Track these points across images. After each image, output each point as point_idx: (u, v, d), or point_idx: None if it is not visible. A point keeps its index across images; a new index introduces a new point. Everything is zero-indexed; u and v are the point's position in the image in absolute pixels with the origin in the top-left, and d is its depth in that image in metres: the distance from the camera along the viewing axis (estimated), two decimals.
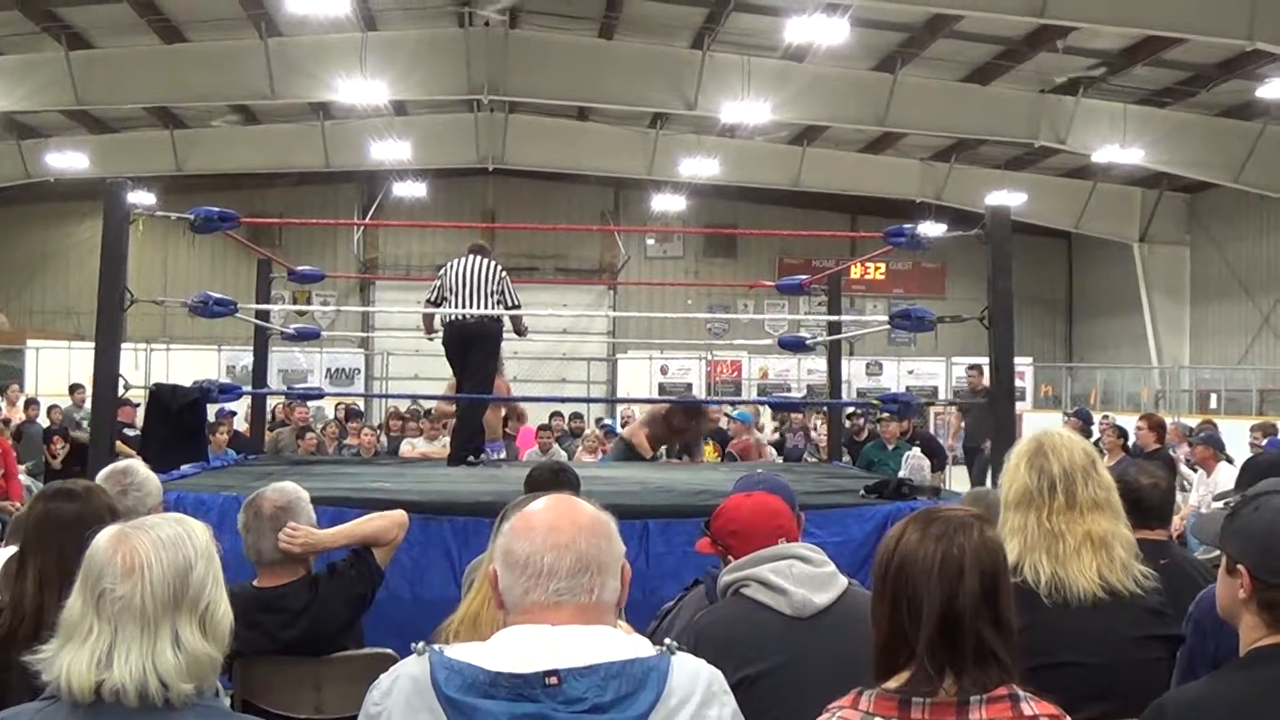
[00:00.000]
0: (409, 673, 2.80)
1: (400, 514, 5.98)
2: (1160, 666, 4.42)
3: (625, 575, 3.01)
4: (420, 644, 2.84)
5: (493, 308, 11.39)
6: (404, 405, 21.92)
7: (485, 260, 11.54)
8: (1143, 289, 35.93)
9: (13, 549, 5.54)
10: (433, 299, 11.72)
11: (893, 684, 2.92)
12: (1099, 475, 4.61)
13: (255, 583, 5.37)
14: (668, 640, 2.91)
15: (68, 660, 2.78)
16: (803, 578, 4.19)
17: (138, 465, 5.97)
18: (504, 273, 11.61)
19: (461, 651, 2.81)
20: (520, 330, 12.15)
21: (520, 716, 2.67)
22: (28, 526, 4.41)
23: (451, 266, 11.62)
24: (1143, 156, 29.24)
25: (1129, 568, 4.45)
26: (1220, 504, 12.86)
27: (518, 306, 11.74)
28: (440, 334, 11.70)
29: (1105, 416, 16.99)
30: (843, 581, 4.24)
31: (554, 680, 2.70)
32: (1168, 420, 18.00)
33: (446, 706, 2.70)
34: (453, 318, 11.42)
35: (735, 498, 4.67)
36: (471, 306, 11.24)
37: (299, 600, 5.37)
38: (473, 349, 11.42)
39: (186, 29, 26.90)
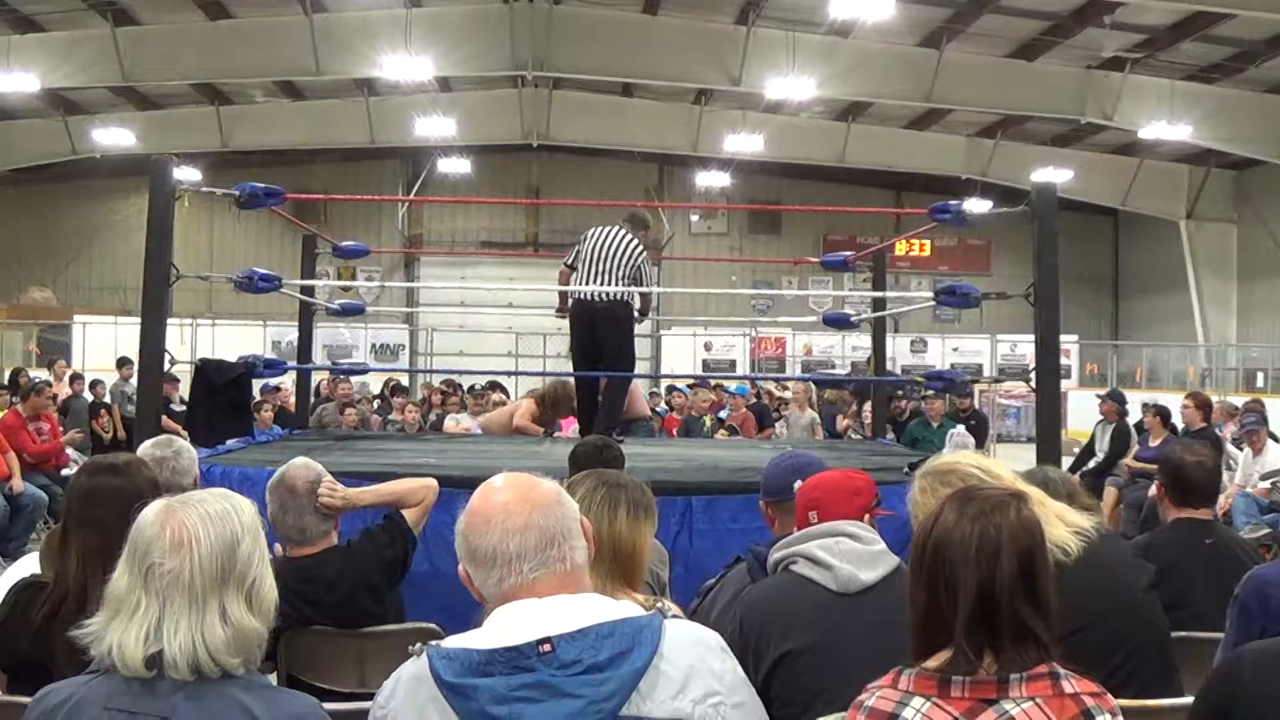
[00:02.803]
0: (410, 673, 2.85)
1: (431, 479, 6.08)
2: (1159, 617, 4.58)
3: (587, 530, 3.06)
4: (417, 645, 2.88)
5: (622, 286, 11.02)
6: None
7: (627, 235, 11.16)
8: (1189, 267, 35.71)
9: None
10: (568, 262, 11.44)
11: (932, 663, 2.92)
12: (984, 462, 4.67)
13: (286, 555, 5.42)
14: (661, 603, 2.94)
15: (117, 634, 2.81)
16: (850, 554, 4.20)
17: (174, 439, 6.02)
18: (643, 253, 11.22)
19: (456, 640, 2.86)
20: (644, 311, 11.84)
21: (520, 687, 2.70)
22: (70, 501, 4.44)
23: (592, 234, 11.24)
24: (1190, 133, 29.02)
25: (1073, 512, 4.56)
26: (1267, 483, 12.77)
27: (648, 293, 11.55)
28: (567, 313, 11.41)
29: (1145, 404, 16.90)
30: (892, 560, 4.24)
31: (547, 647, 2.74)
32: (1214, 399, 17.90)
33: (447, 692, 2.73)
34: (580, 294, 11.23)
35: (825, 473, 4.73)
36: (599, 283, 11.06)
37: (333, 567, 5.43)
38: (600, 332, 11.21)
39: (232, 5, 27.02)
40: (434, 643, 2.86)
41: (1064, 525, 4.42)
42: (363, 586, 5.43)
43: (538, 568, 2.88)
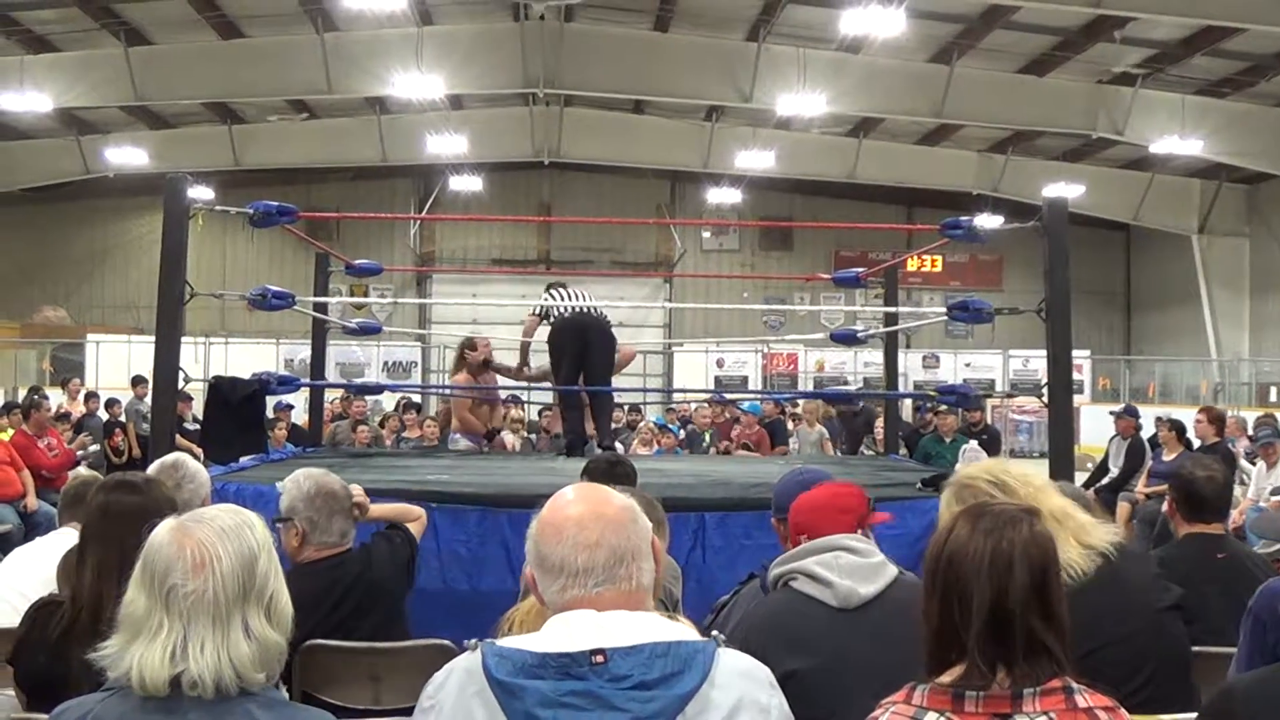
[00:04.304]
0: (462, 665, 2.85)
1: (421, 511, 6.53)
2: (1181, 637, 4.53)
3: (657, 549, 3.05)
4: (473, 640, 2.88)
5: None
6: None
7: None
8: (1201, 281, 35.66)
9: (67, 530, 5.68)
10: (537, 312, 11.83)
11: (946, 678, 2.93)
12: (1016, 470, 4.68)
13: (303, 560, 5.53)
14: (715, 631, 2.94)
15: (138, 655, 2.80)
16: (849, 568, 4.20)
17: (187, 458, 6.09)
18: None
19: (512, 640, 2.86)
20: None
21: (568, 693, 2.71)
22: (88, 518, 4.46)
23: (564, 290, 11.83)
24: (1201, 147, 29.00)
25: (1099, 527, 4.50)
26: (1278, 497, 12.67)
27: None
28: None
29: (1158, 418, 16.88)
30: (891, 571, 4.23)
31: (600, 658, 2.74)
32: (1227, 413, 17.87)
33: (496, 689, 2.74)
34: (577, 308, 11.48)
35: (812, 490, 4.70)
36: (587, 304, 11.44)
37: (355, 564, 5.60)
38: (591, 339, 11.43)
39: (243, 24, 27.10)
40: (490, 639, 2.87)
41: (1077, 546, 4.40)
42: (383, 585, 5.62)
43: (603, 583, 2.88)
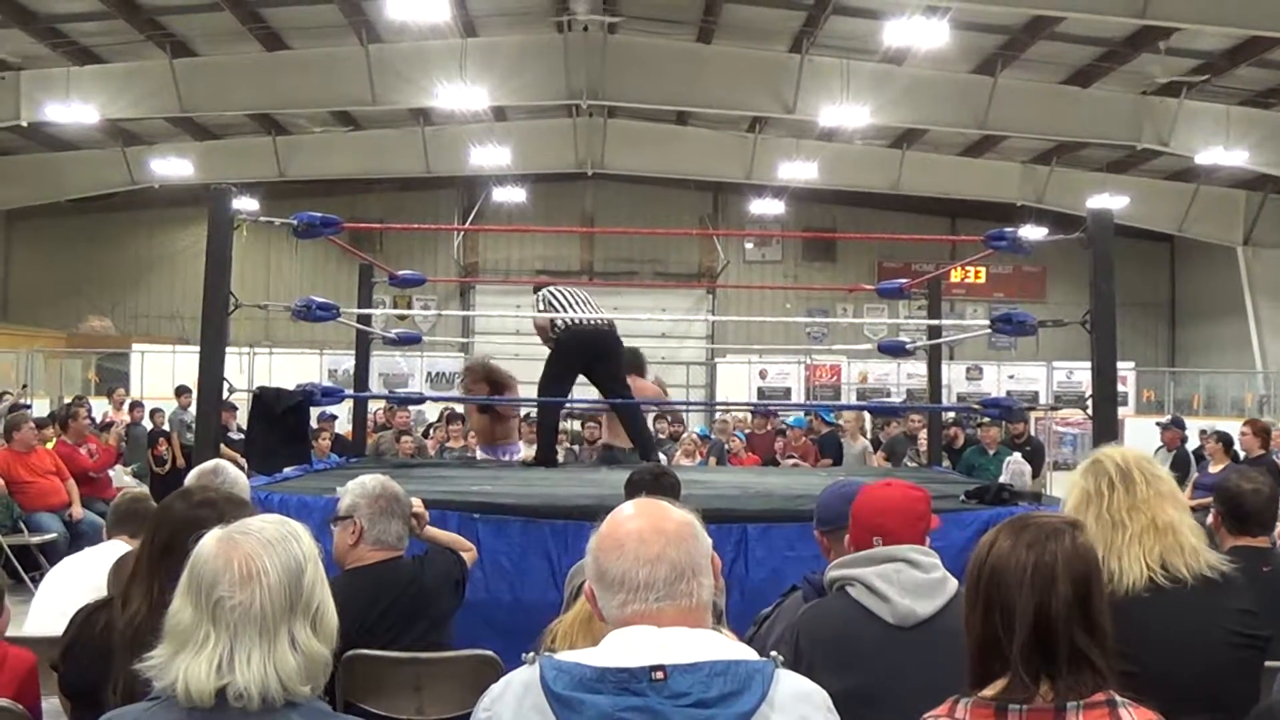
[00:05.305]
0: (520, 678, 2.85)
1: (472, 546, 6.60)
2: (1248, 669, 4.28)
3: (716, 566, 3.06)
4: (531, 653, 2.89)
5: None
6: None
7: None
8: (1246, 293, 35.41)
9: (115, 543, 5.73)
10: (551, 317, 11.62)
11: (989, 691, 2.92)
12: (1155, 470, 4.47)
13: (357, 561, 5.60)
14: (774, 653, 2.93)
15: (184, 666, 2.81)
16: (909, 584, 4.14)
17: (226, 464, 6.16)
18: None
19: (571, 654, 2.87)
20: None
21: (626, 709, 2.71)
22: (149, 525, 4.50)
23: (559, 290, 11.51)
24: (1247, 158, 28.79)
25: (1199, 553, 4.31)
26: None
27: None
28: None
29: (1204, 431, 16.74)
30: (951, 587, 4.15)
31: (660, 675, 2.73)
32: (1273, 426, 17.75)
33: (554, 702, 2.74)
34: (589, 321, 11.33)
35: (881, 489, 4.59)
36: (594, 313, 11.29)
37: (410, 569, 5.69)
38: (604, 352, 11.34)
39: (288, 36, 27.21)
40: (546, 653, 2.88)
41: (1188, 549, 4.26)
42: (434, 591, 5.72)
43: (663, 599, 2.88)
